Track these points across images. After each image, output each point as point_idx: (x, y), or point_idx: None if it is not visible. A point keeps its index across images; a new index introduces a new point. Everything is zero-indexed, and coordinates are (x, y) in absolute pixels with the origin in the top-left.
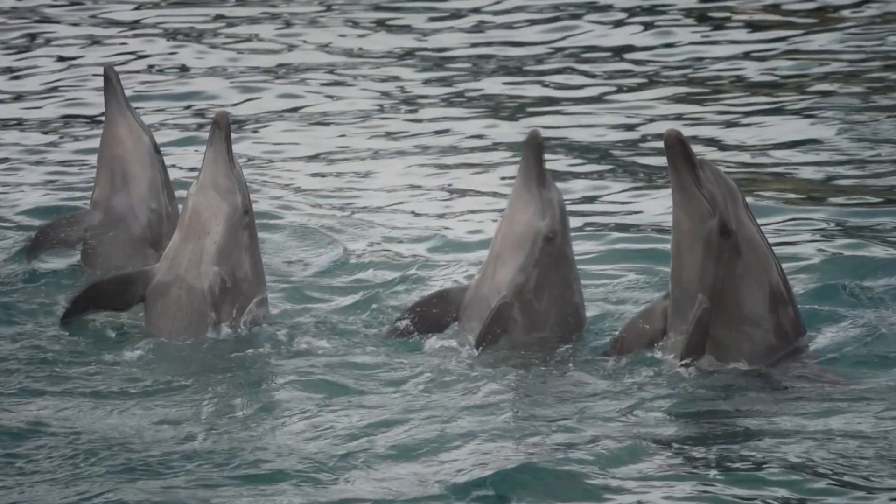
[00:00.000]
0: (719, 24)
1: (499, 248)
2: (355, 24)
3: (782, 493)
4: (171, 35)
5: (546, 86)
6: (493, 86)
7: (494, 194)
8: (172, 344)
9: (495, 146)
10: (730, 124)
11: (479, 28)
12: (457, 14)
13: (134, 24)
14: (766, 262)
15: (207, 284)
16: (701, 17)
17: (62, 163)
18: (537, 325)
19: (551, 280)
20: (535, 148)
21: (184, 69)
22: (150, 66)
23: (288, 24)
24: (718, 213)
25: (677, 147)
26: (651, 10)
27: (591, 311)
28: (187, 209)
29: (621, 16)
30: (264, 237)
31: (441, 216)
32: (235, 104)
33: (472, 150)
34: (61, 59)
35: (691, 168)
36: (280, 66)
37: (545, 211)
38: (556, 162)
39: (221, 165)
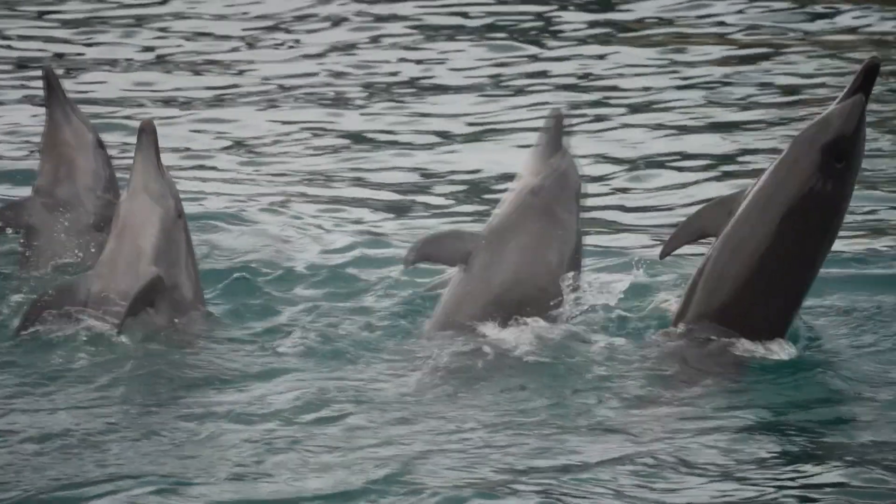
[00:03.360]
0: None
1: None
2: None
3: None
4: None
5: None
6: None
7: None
8: (116, 348)
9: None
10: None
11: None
12: None
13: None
14: (793, 232)
15: (146, 284)
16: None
17: None
18: (498, 272)
19: (524, 229)
20: (554, 121)
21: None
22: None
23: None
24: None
25: (871, 73)
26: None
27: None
28: (119, 216)
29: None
30: (210, 237)
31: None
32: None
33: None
34: None
35: (861, 91)
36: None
37: (546, 171)
38: None
39: (151, 170)
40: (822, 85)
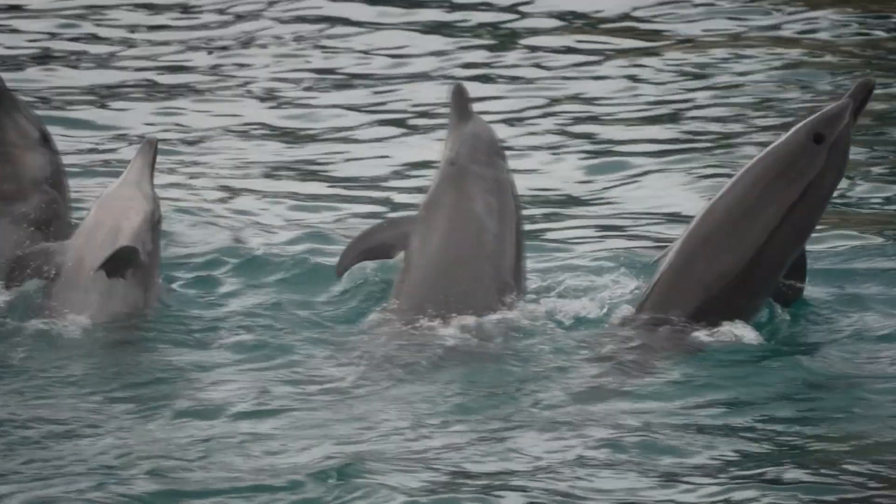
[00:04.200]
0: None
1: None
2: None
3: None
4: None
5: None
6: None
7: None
8: (63, 341)
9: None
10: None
11: None
12: None
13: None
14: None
15: (127, 246)
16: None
17: None
18: (437, 240)
19: (452, 195)
20: (456, 94)
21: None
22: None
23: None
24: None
25: (863, 90)
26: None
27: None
28: (107, 196)
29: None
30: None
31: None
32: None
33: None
34: None
35: (856, 105)
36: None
37: (457, 140)
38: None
39: (146, 175)
40: (771, 80)
